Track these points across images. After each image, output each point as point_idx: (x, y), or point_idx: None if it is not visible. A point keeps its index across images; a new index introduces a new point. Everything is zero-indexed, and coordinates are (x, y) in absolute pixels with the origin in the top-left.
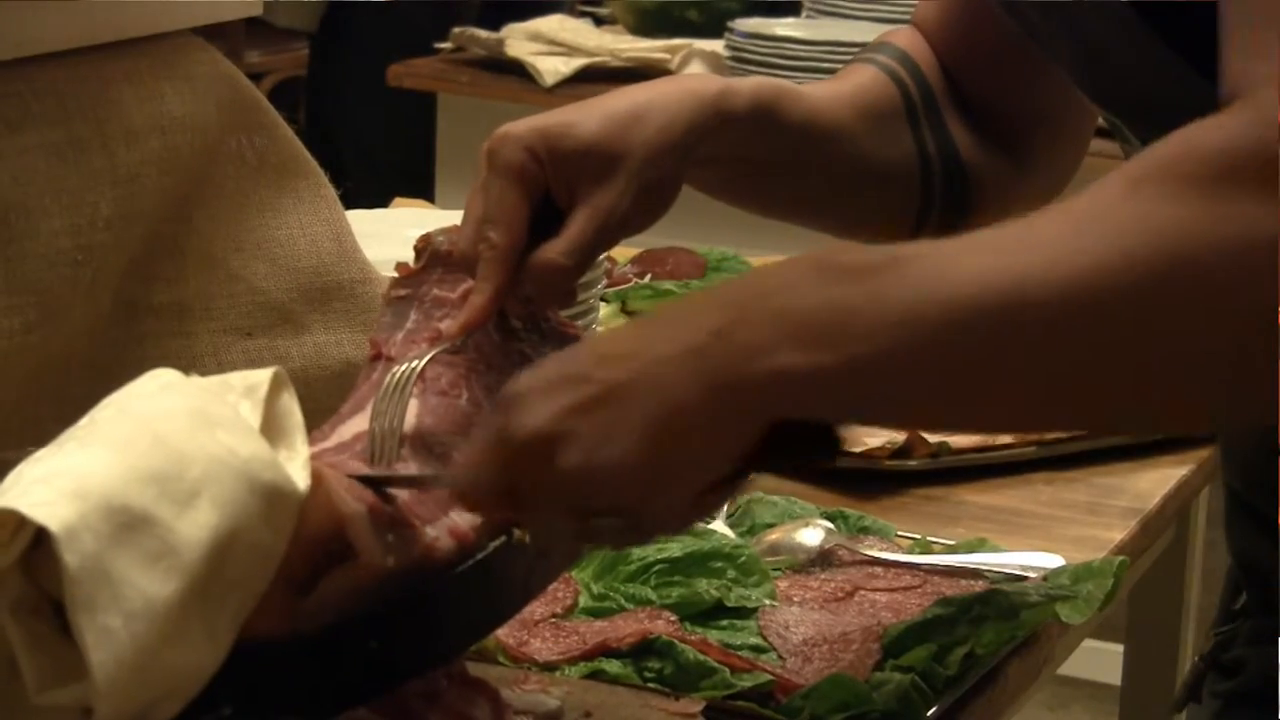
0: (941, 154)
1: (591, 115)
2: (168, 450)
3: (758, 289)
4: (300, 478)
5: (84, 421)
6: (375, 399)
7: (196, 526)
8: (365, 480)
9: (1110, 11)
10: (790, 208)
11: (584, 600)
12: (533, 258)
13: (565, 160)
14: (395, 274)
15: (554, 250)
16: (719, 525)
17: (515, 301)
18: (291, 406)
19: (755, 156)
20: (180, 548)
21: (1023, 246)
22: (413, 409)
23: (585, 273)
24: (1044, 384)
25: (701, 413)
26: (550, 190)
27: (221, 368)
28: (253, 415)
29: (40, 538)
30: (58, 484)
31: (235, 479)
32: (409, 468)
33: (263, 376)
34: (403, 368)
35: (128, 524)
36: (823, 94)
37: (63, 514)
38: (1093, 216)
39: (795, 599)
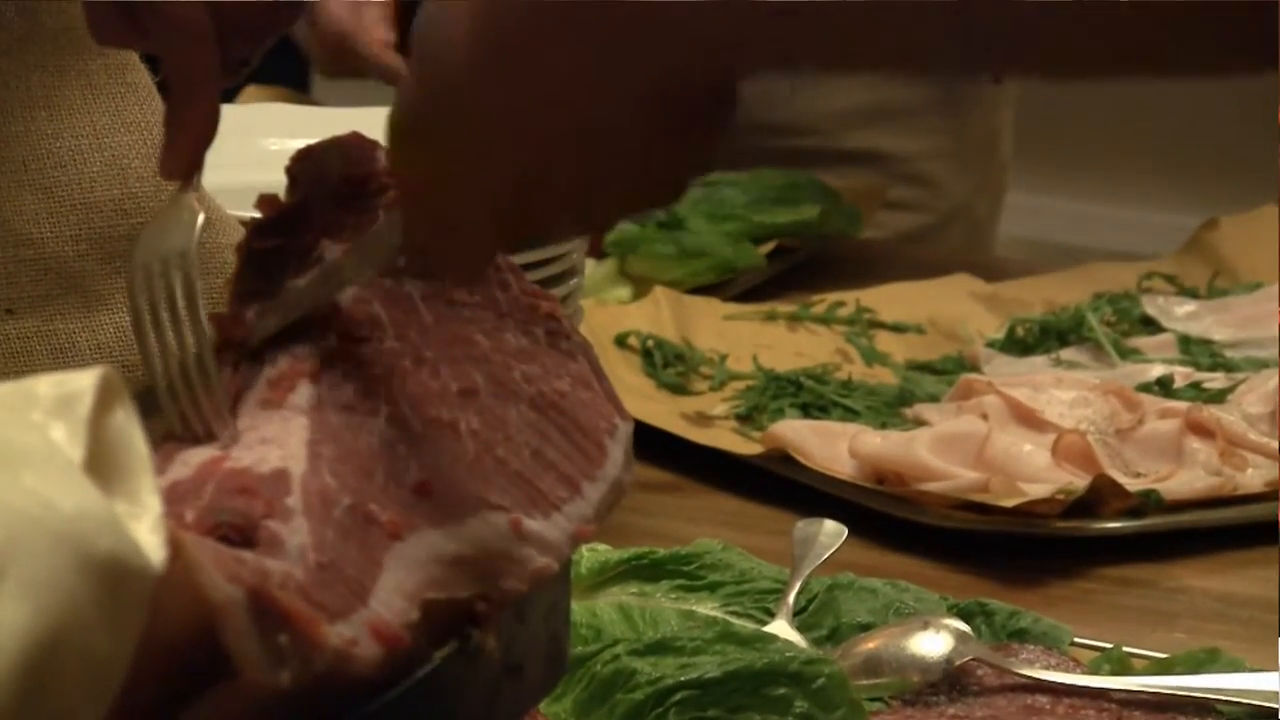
0: None
1: None
2: None
3: None
4: (152, 546)
5: None
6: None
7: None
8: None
9: None
10: None
11: None
12: None
13: None
14: (254, 213)
15: None
16: (781, 625)
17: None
18: (130, 431)
19: None
20: None
21: None
22: (301, 434)
23: None
24: None
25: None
26: None
27: None
28: (72, 445)
29: None
30: None
31: (54, 550)
32: (298, 532)
33: (84, 382)
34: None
35: None
36: None
37: None
38: None
39: None
